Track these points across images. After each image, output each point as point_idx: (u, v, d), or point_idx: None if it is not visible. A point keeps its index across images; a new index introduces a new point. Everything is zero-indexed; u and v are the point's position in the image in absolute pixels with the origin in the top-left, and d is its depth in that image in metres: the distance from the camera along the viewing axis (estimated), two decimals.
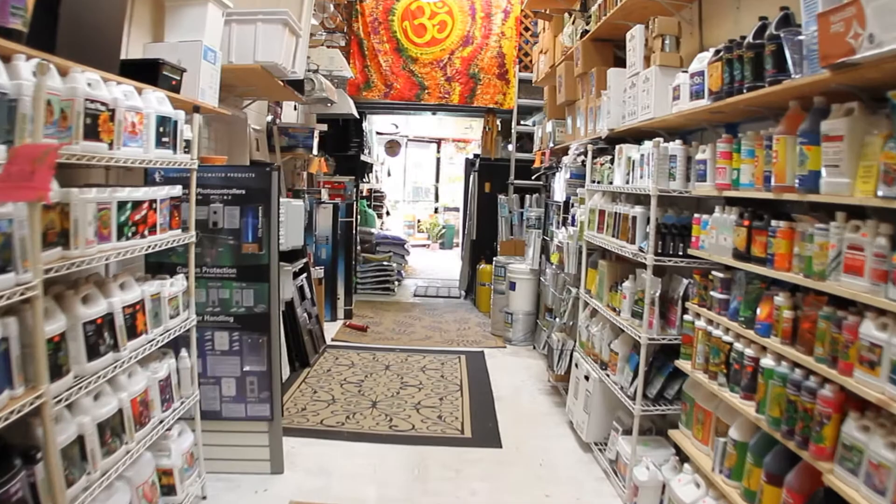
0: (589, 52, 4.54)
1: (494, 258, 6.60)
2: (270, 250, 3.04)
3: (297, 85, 4.91)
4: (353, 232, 7.30)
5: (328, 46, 6.06)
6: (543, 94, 7.22)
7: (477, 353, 5.80)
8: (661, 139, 2.99)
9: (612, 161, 3.66)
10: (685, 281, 3.00)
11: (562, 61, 5.24)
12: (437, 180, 15.30)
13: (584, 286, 3.98)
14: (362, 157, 8.42)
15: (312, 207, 6.36)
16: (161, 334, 2.62)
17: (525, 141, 7.86)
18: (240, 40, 3.80)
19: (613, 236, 3.45)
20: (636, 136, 3.61)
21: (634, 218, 3.18)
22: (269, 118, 6.07)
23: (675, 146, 2.98)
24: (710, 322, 2.71)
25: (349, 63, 7.09)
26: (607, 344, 3.59)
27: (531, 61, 7.19)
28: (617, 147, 3.45)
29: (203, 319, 3.14)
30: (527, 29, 7.35)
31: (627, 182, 3.27)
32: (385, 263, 8.48)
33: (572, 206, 4.60)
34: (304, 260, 5.65)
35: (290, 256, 5.43)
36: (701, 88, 2.81)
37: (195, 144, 2.79)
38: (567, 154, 5.03)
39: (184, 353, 2.90)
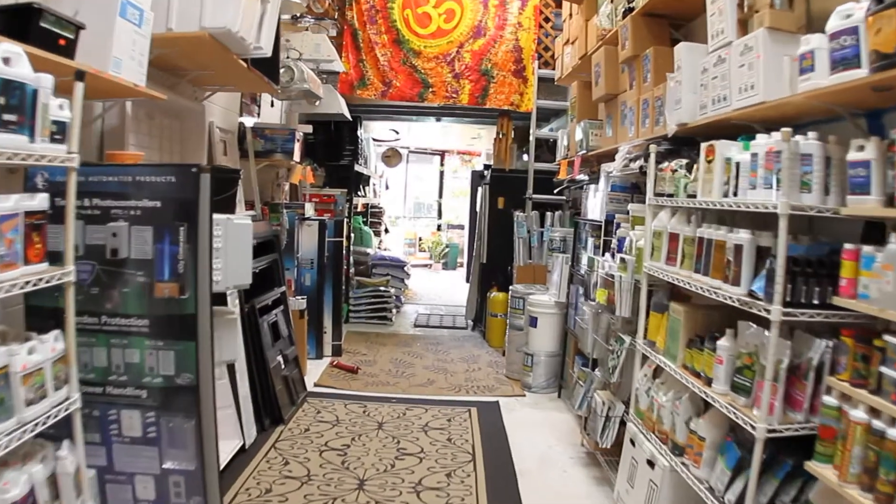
0: (640, 29, 3.58)
1: (511, 287, 5.60)
2: (198, 293, 2.06)
3: (270, 71, 3.96)
4: (343, 254, 6.32)
5: (315, 32, 5.13)
6: (568, 94, 6.28)
7: (490, 403, 4.80)
8: (790, 130, 2.02)
9: (688, 167, 2.69)
10: (822, 343, 2.01)
11: (598, 47, 4.29)
12: (441, 195, 14.36)
13: (643, 335, 3.00)
14: (357, 168, 7.46)
15: (294, 225, 5.39)
16: (8, 433, 1.64)
17: (543, 150, 6.91)
18: (183, 1, 2.84)
19: (698, 272, 2.47)
20: (714, 133, 2.65)
21: (739, 248, 2.20)
22: (248, 120, 5.12)
23: (810, 141, 2.01)
24: (874, 413, 1.74)
25: (341, 57, 6.16)
26: (684, 421, 2.59)
27: (552, 56, 6.26)
28: (704, 146, 2.48)
29: (105, 392, 2.16)
30: (547, 20, 6.42)
31: (728, 195, 2.29)
32: (382, 289, 7.48)
33: (617, 226, 3.63)
34: (281, 290, 4.67)
35: (263, 284, 4.45)
36: (852, 53, 1.85)
37: (75, 130, 1.82)
38: (605, 161, 4.06)
39: (65, 449, 1.92)
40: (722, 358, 2.32)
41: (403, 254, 13.13)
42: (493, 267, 6.74)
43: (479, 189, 7.33)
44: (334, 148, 7.53)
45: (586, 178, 4.78)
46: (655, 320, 2.87)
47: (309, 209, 5.79)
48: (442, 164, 14.29)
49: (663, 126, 3.18)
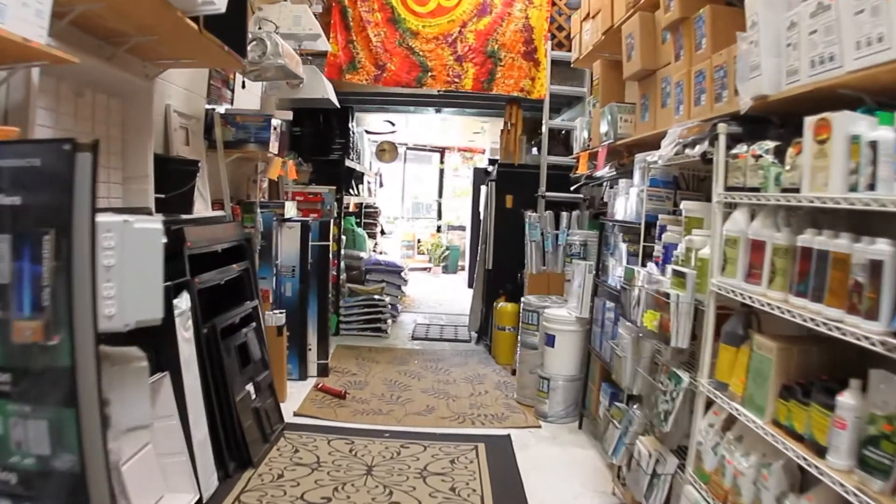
0: None
1: (523, 299, 4.91)
2: (76, 335, 1.37)
3: (237, 44, 3.29)
4: (331, 259, 5.64)
5: (295, 3, 4.44)
6: (585, 79, 5.61)
7: (501, 437, 4.11)
8: None
9: (777, 151, 2.00)
10: None
11: (630, 15, 3.62)
12: (441, 195, 13.68)
13: (707, 373, 2.32)
14: (348, 163, 6.78)
15: (272, 228, 4.71)
16: None
17: (554, 143, 6.23)
18: None
19: (802, 295, 1.79)
20: (805, 109, 1.96)
21: (877, 265, 1.52)
22: (220, 108, 4.45)
23: None
24: None
25: (329, 38, 5.47)
26: (775, 497, 1.92)
27: (567, 36, 5.58)
28: (811, 122, 1.80)
29: None
30: None
31: (858, 188, 1.60)
32: (376, 297, 6.80)
33: (661, 230, 2.95)
34: (253, 304, 3.98)
35: (230, 299, 3.78)
36: None
37: None
38: (640, 151, 3.39)
39: None
40: (845, 421, 1.64)
41: (401, 257, 12.49)
42: (501, 273, 6.06)
43: (484, 187, 6.67)
44: (322, 141, 6.86)
45: (612, 172, 4.10)
46: (728, 355, 2.19)
47: (290, 209, 5.11)
48: (442, 162, 13.61)
49: (728, 102, 2.50)
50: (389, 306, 6.97)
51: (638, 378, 2.87)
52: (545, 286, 5.09)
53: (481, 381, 5.29)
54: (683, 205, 2.66)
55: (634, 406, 3.07)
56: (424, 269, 12.94)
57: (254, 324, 4.02)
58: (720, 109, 2.55)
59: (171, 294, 2.80)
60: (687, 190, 3.18)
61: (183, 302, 2.94)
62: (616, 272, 3.58)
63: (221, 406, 3.34)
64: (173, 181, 3.36)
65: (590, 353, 4.19)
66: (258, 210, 4.63)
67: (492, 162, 6.39)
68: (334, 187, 6.02)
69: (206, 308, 3.31)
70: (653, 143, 3.23)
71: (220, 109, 4.40)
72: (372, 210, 9.61)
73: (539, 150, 6.59)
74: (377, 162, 9.94)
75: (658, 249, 2.93)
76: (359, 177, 8.35)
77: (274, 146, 4.59)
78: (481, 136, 10.81)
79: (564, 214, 5.16)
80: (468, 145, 13.20)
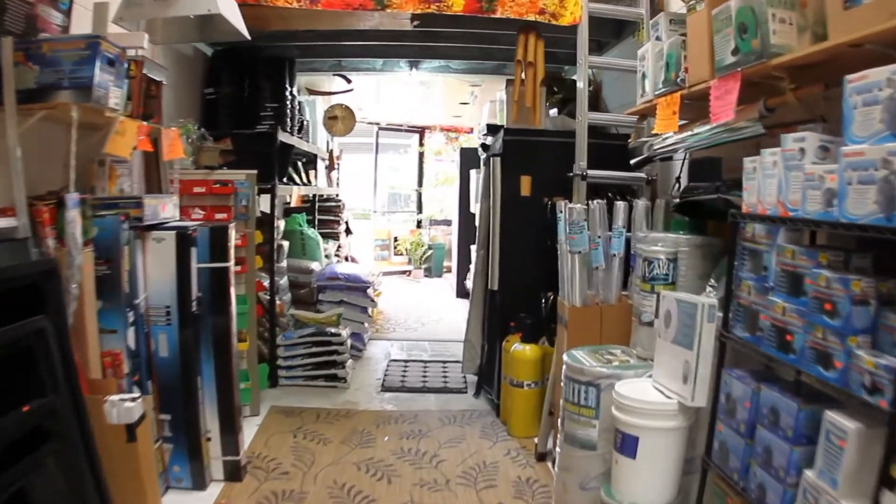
0: None
1: (567, 356, 2.89)
2: None
3: None
4: (231, 289, 3.64)
5: None
6: None
7: None
8: None
9: None
10: None
11: None
12: (420, 183, 11.67)
13: None
14: (283, 138, 4.76)
15: (121, 241, 2.70)
16: None
17: (571, 105, 4.29)
18: None
19: None
20: None
21: None
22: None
23: None
24: None
25: None
26: None
27: None
28: None
29: None
30: None
31: None
32: (331, 331, 4.80)
33: None
34: (44, 404, 1.99)
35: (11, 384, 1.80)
36: None
37: None
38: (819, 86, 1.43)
39: None
40: None
41: (375, 259, 10.51)
42: (513, 297, 4.10)
43: (475, 172, 4.68)
44: (246, 107, 4.84)
45: (753, 122, 2.15)
46: None
47: (168, 207, 3.10)
48: (421, 144, 11.60)
49: None
50: (349, 341, 4.97)
51: None
52: (595, 327, 3.12)
53: (490, 479, 3.32)
54: None
55: None
56: (403, 272, 10.96)
57: (54, 444, 2.03)
58: None
59: None
60: None
61: None
62: (785, 321, 1.63)
63: None
64: None
65: (706, 469, 2.23)
66: (91, 213, 2.61)
67: (491, 130, 4.41)
68: (255, 172, 3.99)
69: None
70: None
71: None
72: (332, 205, 7.58)
73: (563, 110, 4.64)
74: (334, 138, 7.82)
75: None
76: (309, 160, 6.32)
77: (115, 95, 2.56)
78: (470, 108, 8.82)
79: (620, 205, 3.19)
80: (452, 123, 11.21)
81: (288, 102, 4.84)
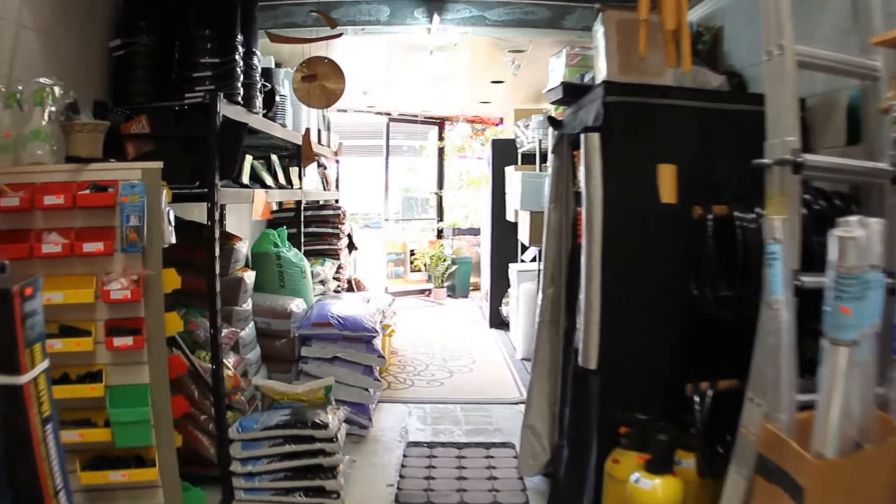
0: None
1: None
2: None
3: None
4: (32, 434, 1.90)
5: None
6: None
7: None
8: None
9: None
10: None
11: None
12: (441, 185, 9.92)
13: None
14: (227, 113, 3.00)
15: None
16: None
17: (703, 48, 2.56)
18: None
19: None
20: None
21: None
22: None
23: None
24: None
25: None
26: None
27: None
28: None
29: None
30: None
31: None
32: (315, 421, 3.05)
33: None
34: None
35: None
36: None
37: None
38: None
39: None
40: None
41: (388, 277, 8.81)
42: (625, 381, 2.34)
43: (555, 157, 2.91)
44: (176, 69, 3.14)
45: None
46: None
47: None
48: (441, 138, 9.85)
49: None
50: (344, 429, 3.24)
51: None
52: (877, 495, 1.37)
53: None
54: None
55: None
56: (421, 292, 9.22)
57: None
58: None
59: None
60: None
61: None
62: None
63: None
64: None
65: None
66: None
67: (572, 91, 2.61)
68: (158, 166, 2.25)
69: None
70: None
71: None
72: (329, 213, 5.86)
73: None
74: (329, 126, 6.02)
75: None
76: (292, 155, 4.58)
77: None
78: (504, 90, 7.06)
79: (861, 224, 1.43)
80: (478, 113, 9.46)
81: (239, 60, 3.10)
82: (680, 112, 2.37)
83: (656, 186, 2.28)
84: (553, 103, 2.79)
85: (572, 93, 2.69)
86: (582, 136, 2.31)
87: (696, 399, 2.18)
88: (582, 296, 2.35)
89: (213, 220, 2.76)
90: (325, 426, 3.02)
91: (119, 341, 2.21)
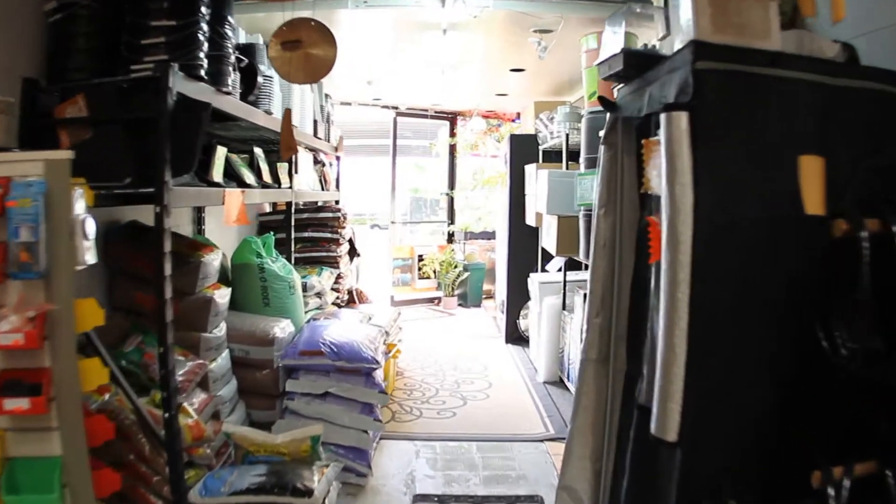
0: None
1: None
2: None
3: None
4: None
5: None
6: None
7: None
8: None
9: None
10: None
11: None
12: (452, 185, 9.27)
13: None
14: (182, 89, 2.36)
15: None
16: None
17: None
18: None
19: None
20: None
21: None
22: None
23: None
24: None
25: None
26: None
27: None
28: None
29: None
30: None
31: None
32: (297, 486, 2.41)
33: None
34: None
35: None
36: None
37: None
38: None
39: None
40: None
41: (393, 284, 8.19)
42: (720, 456, 1.67)
43: (607, 149, 2.22)
44: (124, 38, 2.49)
45: None
46: None
47: None
48: (453, 134, 9.20)
49: None
50: (333, 492, 2.59)
51: None
52: None
53: None
54: None
55: None
56: (430, 300, 8.57)
57: None
58: None
59: None
60: None
61: None
62: None
63: None
64: None
65: None
66: None
67: (637, 61, 1.98)
68: (65, 158, 1.62)
69: None
70: None
71: None
72: (328, 216, 5.22)
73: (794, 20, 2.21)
74: (328, 119, 5.34)
75: None
76: (274, 150, 3.94)
77: None
78: (523, 80, 6.40)
79: None
80: (493, 107, 8.80)
81: (203, 25, 2.46)
82: (793, 87, 1.71)
83: (770, 188, 1.62)
84: (607, 78, 2.15)
85: (636, 63, 2.03)
86: (662, 117, 1.64)
87: (831, 491, 1.52)
88: (660, 339, 1.68)
89: (161, 228, 2.11)
90: (308, 493, 2.37)
91: (11, 404, 1.58)
